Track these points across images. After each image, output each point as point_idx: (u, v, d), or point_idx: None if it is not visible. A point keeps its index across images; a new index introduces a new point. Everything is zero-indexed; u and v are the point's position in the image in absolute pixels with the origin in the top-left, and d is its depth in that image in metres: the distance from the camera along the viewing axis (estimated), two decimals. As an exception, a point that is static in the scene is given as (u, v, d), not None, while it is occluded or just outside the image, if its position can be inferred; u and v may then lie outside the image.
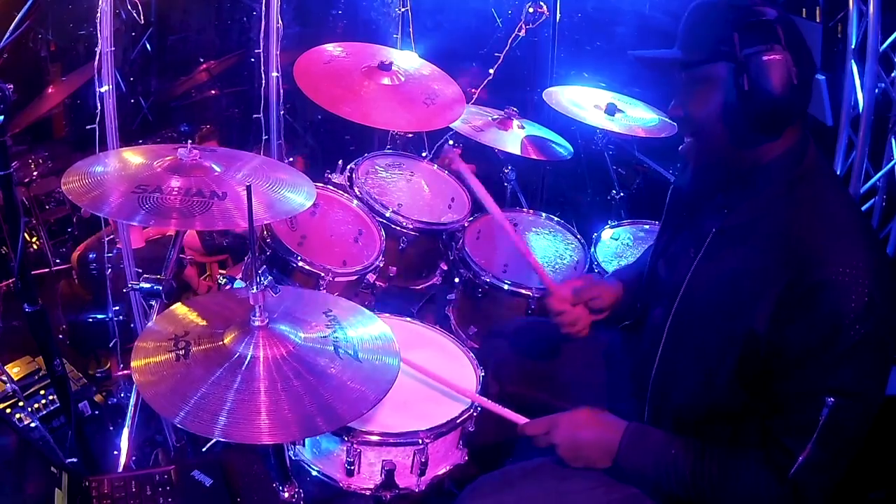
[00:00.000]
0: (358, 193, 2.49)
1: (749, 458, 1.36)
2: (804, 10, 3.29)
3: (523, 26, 3.15)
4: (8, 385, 2.09)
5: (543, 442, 1.58)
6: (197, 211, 1.62)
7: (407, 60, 2.69)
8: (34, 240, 3.04)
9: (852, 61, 2.90)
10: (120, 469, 1.70)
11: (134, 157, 1.79)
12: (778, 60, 1.28)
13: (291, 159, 3.72)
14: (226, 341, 1.39)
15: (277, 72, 3.10)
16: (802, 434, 1.28)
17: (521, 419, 1.68)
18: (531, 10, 3.16)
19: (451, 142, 2.86)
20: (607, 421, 1.55)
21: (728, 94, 1.34)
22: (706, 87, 1.37)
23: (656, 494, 1.50)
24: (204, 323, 1.46)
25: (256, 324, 1.39)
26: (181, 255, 2.92)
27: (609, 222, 2.80)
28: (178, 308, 1.51)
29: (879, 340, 1.26)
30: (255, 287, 1.36)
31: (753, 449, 1.37)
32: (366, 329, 1.54)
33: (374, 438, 1.65)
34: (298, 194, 1.79)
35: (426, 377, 1.84)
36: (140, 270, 2.63)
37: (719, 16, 1.34)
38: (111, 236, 2.62)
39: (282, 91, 3.14)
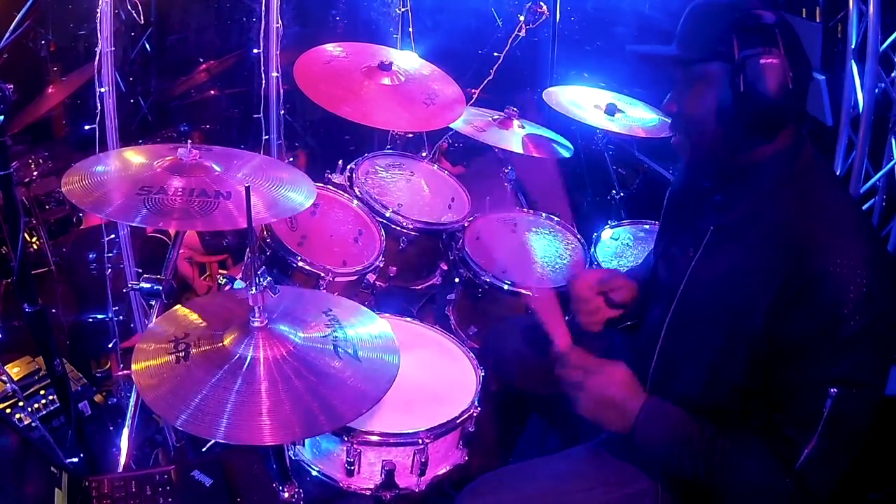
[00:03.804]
0: (358, 193, 2.49)
1: (759, 446, 1.36)
2: (804, 10, 3.29)
3: (523, 26, 3.14)
4: (8, 385, 2.09)
5: (573, 376, 1.56)
6: (201, 211, 1.61)
7: (407, 60, 2.69)
8: (34, 240, 3.04)
9: (852, 61, 2.90)
10: (120, 469, 1.70)
11: (134, 157, 1.79)
12: (775, 64, 1.29)
13: (292, 158, 3.72)
14: (226, 343, 1.39)
15: (277, 72, 3.10)
16: (807, 426, 1.28)
17: (566, 339, 1.64)
18: (530, 7, 3.16)
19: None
20: (635, 387, 1.53)
21: (723, 93, 1.35)
22: (701, 86, 1.39)
23: (665, 472, 1.50)
24: (203, 324, 1.46)
25: (256, 325, 1.39)
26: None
27: (609, 222, 2.80)
28: (178, 310, 1.51)
29: (879, 331, 1.26)
30: (254, 288, 1.36)
31: (763, 439, 1.37)
32: (365, 328, 1.54)
33: (375, 438, 1.65)
34: (299, 194, 1.79)
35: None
36: (140, 270, 2.64)
37: (719, 16, 1.36)
38: (111, 236, 2.62)
39: (282, 91, 3.14)
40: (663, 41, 1.52)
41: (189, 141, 1.83)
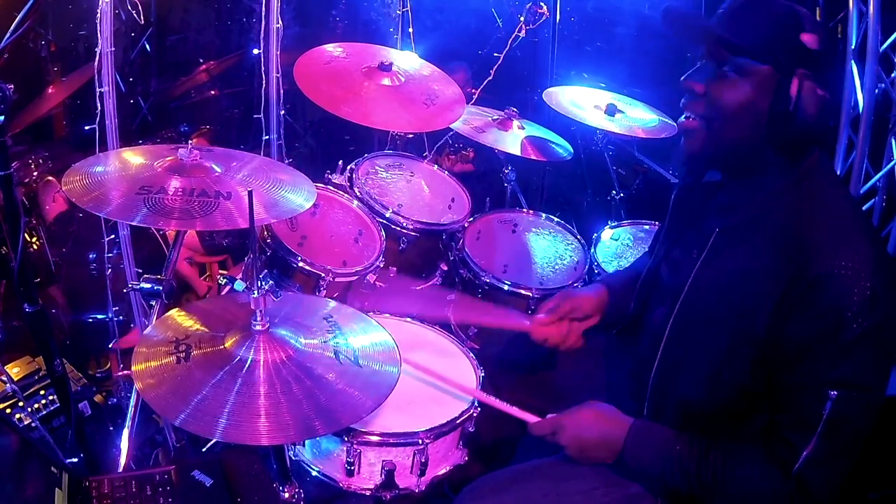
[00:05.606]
0: (358, 194, 2.49)
1: (753, 454, 1.36)
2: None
3: (523, 27, 3.15)
4: (8, 385, 2.10)
5: (550, 441, 1.59)
6: (201, 211, 1.61)
7: (407, 61, 2.69)
8: (34, 240, 3.04)
9: (852, 61, 2.90)
10: (120, 469, 1.70)
11: (134, 157, 1.79)
12: (823, 94, 1.29)
13: (290, 160, 3.72)
14: (227, 345, 1.39)
15: (278, 72, 3.10)
16: (806, 428, 1.28)
17: (531, 417, 1.67)
18: (530, 7, 3.16)
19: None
20: (612, 418, 1.55)
21: (766, 99, 1.32)
22: (744, 80, 1.33)
23: (662, 490, 1.50)
24: (205, 327, 1.46)
25: (257, 328, 1.39)
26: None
27: (609, 223, 2.80)
28: (179, 312, 1.51)
29: (882, 335, 1.26)
30: (256, 291, 1.37)
31: (758, 444, 1.37)
32: (366, 335, 1.54)
33: (375, 439, 1.65)
34: (299, 195, 1.79)
35: (431, 378, 1.84)
36: (140, 270, 2.64)
37: (782, 20, 1.31)
38: (111, 236, 2.62)
39: (282, 91, 3.15)
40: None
41: (190, 140, 1.83)
